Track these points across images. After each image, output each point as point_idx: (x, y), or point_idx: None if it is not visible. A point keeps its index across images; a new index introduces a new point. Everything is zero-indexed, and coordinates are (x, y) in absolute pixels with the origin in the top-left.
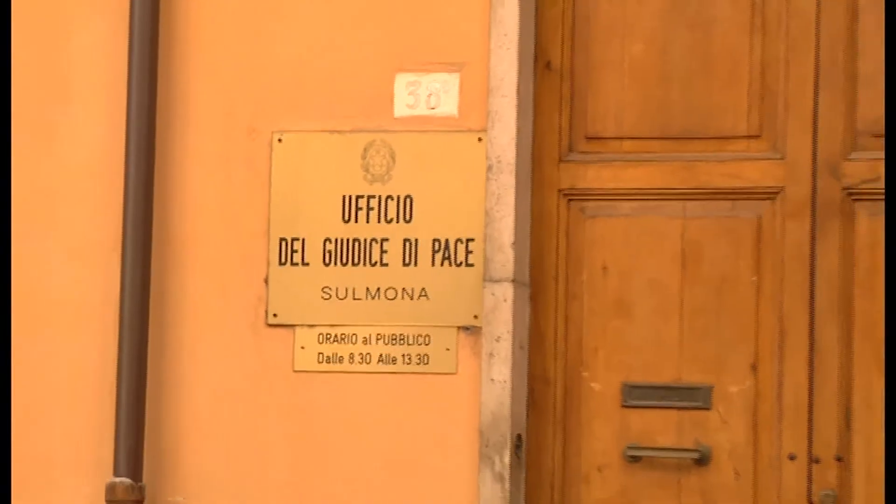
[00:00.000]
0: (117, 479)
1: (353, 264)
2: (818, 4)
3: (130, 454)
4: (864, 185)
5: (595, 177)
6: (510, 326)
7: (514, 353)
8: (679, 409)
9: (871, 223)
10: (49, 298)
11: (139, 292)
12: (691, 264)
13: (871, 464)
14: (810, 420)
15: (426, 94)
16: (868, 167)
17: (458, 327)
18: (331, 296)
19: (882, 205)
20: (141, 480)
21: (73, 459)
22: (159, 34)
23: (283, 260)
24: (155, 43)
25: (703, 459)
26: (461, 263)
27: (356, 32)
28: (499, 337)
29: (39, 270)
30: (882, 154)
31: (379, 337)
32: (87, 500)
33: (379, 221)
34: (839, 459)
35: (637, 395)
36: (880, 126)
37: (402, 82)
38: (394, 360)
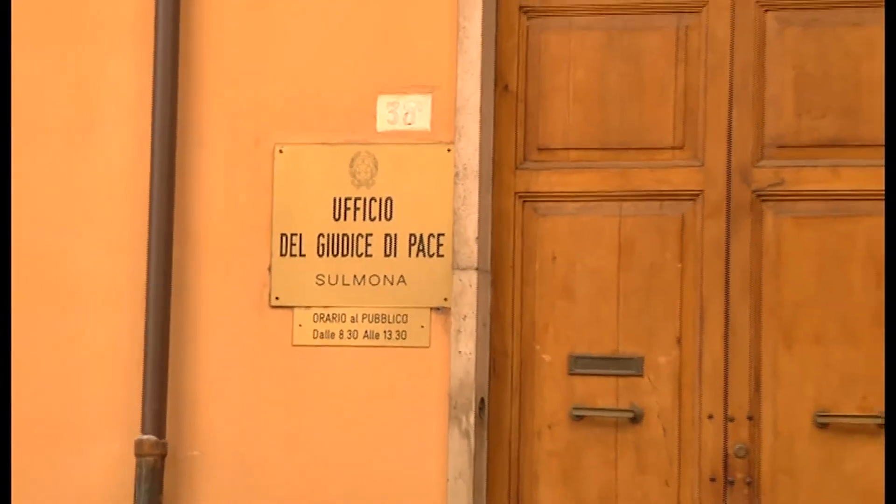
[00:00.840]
0: (144, 437)
1: (343, 255)
2: (732, 39)
3: (155, 415)
4: (770, 189)
5: (545, 181)
6: (474, 307)
7: (477, 329)
8: (616, 376)
9: (776, 220)
10: (88, 283)
11: (162, 279)
12: (626, 255)
13: (777, 422)
14: (726, 385)
15: (403, 112)
16: (773, 173)
17: (431, 308)
18: (324, 282)
19: (785, 205)
20: (164, 437)
21: (107, 420)
22: (178, 64)
23: (283, 252)
24: (175, 71)
25: (636, 418)
26: (433, 254)
27: (345, 61)
28: (465, 316)
29: (79, 260)
30: (785, 162)
31: (364, 316)
32: (119, 454)
33: (364, 219)
34: (750, 419)
35: (581, 365)
36: (783, 139)
37: (383, 102)
38: (377, 336)
